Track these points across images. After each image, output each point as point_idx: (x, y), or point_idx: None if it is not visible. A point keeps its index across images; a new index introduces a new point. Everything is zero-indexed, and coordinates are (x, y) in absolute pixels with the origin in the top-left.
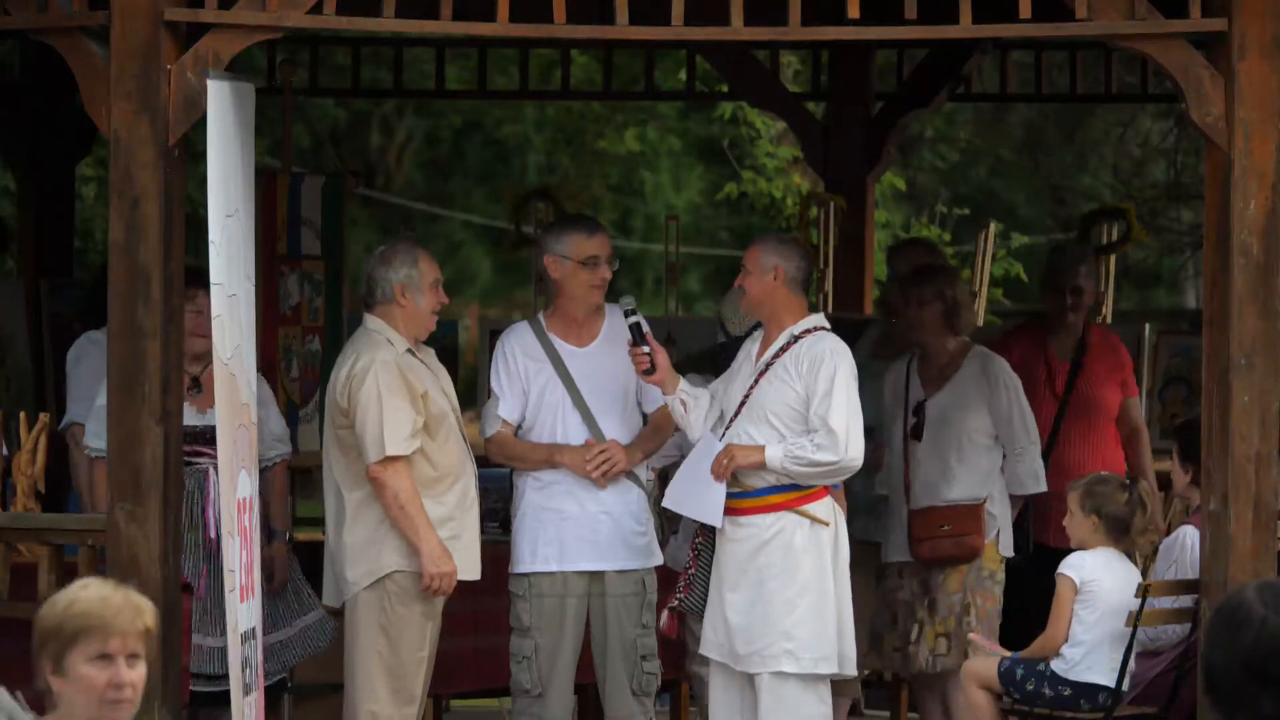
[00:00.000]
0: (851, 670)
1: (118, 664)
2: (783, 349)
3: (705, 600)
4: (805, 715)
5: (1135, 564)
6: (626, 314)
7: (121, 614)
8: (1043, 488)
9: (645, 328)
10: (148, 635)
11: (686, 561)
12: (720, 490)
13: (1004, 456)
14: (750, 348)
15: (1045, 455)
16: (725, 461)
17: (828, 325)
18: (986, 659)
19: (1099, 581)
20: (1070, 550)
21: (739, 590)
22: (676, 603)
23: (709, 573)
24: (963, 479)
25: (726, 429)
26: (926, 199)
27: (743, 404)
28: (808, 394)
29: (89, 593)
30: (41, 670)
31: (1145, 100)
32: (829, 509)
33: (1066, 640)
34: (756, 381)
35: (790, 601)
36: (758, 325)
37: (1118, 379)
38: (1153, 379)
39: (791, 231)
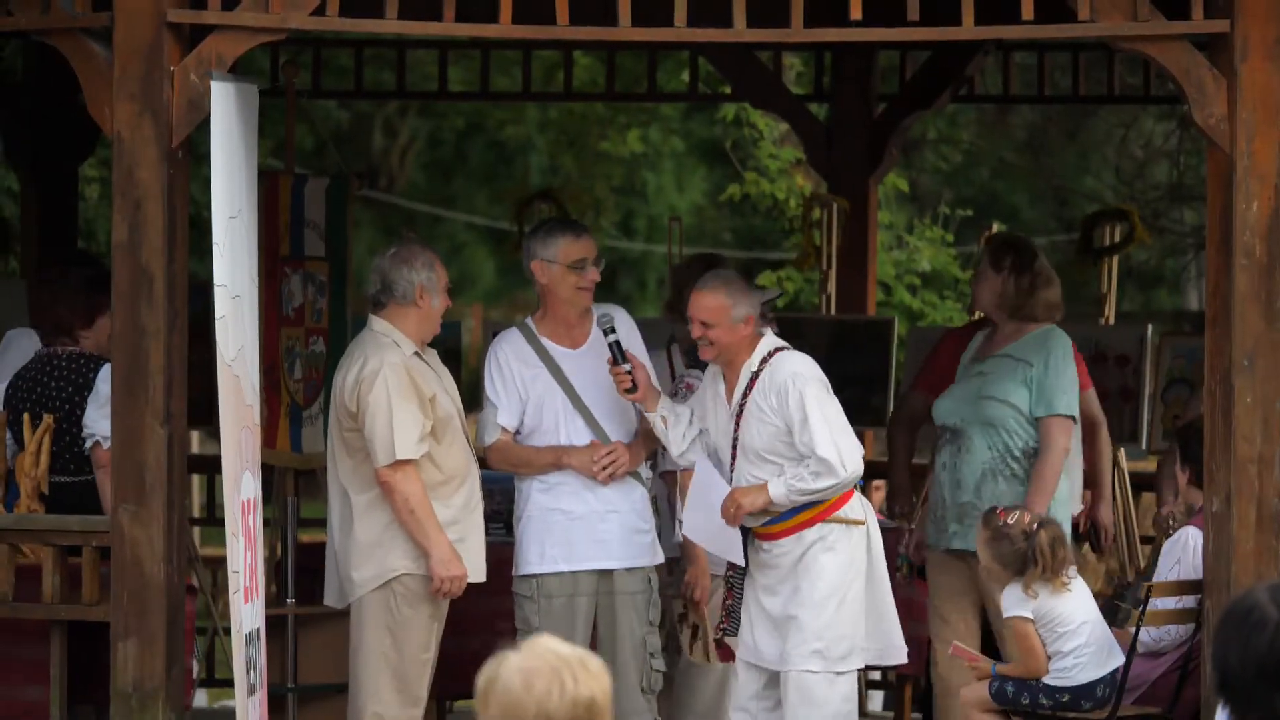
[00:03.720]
0: (899, 658)
1: None
2: (748, 387)
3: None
4: (832, 713)
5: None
6: (605, 333)
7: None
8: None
9: (625, 345)
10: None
11: (724, 594)
12: (736, 534)
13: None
14: (715, 386)
15: None
16: (733, 510)
17: (778, 344)
18: (978, 684)
19: (1044, 602)
20: None
21: (774, 595)
22: (720, 634)
23: (742, 601)
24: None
25: (731, 474)
26: (929, 200)
27: (734, 448)
28: (788, 425)
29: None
30: None
31: (1148, 101)
32: (859, 507)
33: (1049, 659)
34: (737, 424)
35: (820, 604)
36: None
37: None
38: (1155, 380)
39: (794, 234)
